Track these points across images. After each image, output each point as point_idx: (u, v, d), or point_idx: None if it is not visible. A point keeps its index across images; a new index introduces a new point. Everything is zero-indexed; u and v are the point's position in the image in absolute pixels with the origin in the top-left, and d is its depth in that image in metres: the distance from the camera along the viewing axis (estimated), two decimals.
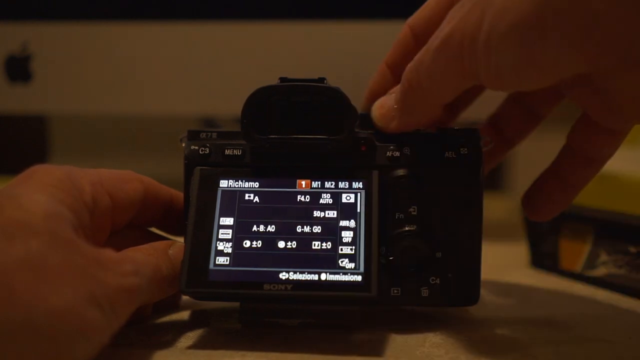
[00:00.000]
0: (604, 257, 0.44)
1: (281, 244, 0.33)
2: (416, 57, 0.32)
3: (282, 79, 0.36)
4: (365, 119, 0.37)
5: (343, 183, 0.35)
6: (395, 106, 0.34)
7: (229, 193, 0.35)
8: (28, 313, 0.25)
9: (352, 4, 0.57)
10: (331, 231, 0.33)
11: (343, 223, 0.34)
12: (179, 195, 0.37)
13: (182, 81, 0.59)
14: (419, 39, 0.37)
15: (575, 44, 0.26)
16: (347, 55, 0.57)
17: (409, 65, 0.33)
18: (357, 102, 0.35)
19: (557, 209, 0.37)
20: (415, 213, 0.35)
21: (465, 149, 0.35)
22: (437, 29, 0.31)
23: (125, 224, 0.35)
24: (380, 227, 0.34)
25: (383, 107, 0.35)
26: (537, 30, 0.26)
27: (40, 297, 0.25)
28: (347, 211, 0.34)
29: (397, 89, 0.34)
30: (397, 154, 0.35)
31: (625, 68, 0.27)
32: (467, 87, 0.31)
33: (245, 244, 0.33)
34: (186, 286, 0.32)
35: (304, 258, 0.33)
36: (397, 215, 0.35)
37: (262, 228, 0.34)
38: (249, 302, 0.34)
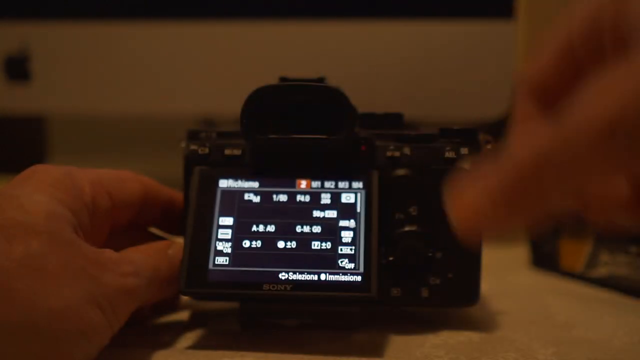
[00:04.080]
0: (604, 257, 0.44)
1: (281, 244, 0.33)
2: (543, 143, 0.21)
3: (282, 79, 0.36)
4: (365, 119, 0.37)
5: (343, 183, 0.35)
6: (496, 206, 0.22)
7: (228, 193, 0.35)
8: (28, 313, 0.25)
9: (353, 4, 0.57)
10: (331, 231, 0.33)
11: (343, 223, 0.34)
12: (179, 195, 0.37)
13: (182, 81, 0.59)
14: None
15: None
16: (347, 55, 0.57)
17: (525, 150, 0.21)
18: (357, 102, 0.35)
19: None
20: (415, 213, 0.35)
21: (465, 149, 0.35)
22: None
23: (124, 224, 0.35)
24: (380, 227, 0.34)
25: (471, 208, 0.23)
26: None
27: (40, 297, 0.25)
28: (347, 211, 0.34)
29: (491, 178, 0.22)
30: (397, 154, 0.35)
31: None
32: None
33: (245, 244, 0.33)
34: (185, 286, 0.32)
35: (303, 258, 0.33)
36: (397, 215, 0.35)
37: (261, 228, 0.34)
38: (249, 303, 0.34)
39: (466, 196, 0.23)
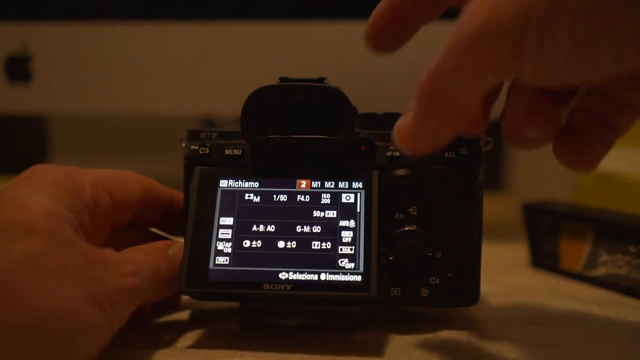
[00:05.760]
0: (604, 257, 0.44)
1: (281, 244, 0.33)
2: (433, 64, 0.27)
3: (282, 79, 0.36)
4: (365, 119, 0.37)
5: (343, 183, 0.35)
6: (417, 126, 0.28)
7: (228, 193, 0.35)
8: (29, 313, 0.25)
9: (353, 4, 0.57)
10: (331, 231, 0.33)
11: (343, 223, 0.34)
12: (179, 195, 0.37)
13: (182, 81, 0.59)
14: None
15: None
16: (347, 55, 0.57)
17: (422, 74, 0.27)
18: (357, 102, 0.35)
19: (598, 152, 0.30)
20: (415, 213, 0.35)
21: (465, 149, 0.35)
22: None
23: (125, 224, 0.35)
24: (380, 227, 0.34)
25: (403, 131, 0.29)
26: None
27: (41, 297, 0.25)
28: (347, 211, 0.34)
29: (412, 106, 0.29)
30: (397, 154, 0.35)
31: None
32: (497, 84, 0.28)
33: (245, 243, 0.33)
34: (186, 286, 0.32)
35: (303, 258, 0.33)
36: (397, 215, 0.35)
37: (262, 228, 0.34)
38: (249, 302, 0.34)
39: (400, 123, 0.29)
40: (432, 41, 0.56)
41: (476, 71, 0.26)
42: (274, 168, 0.35)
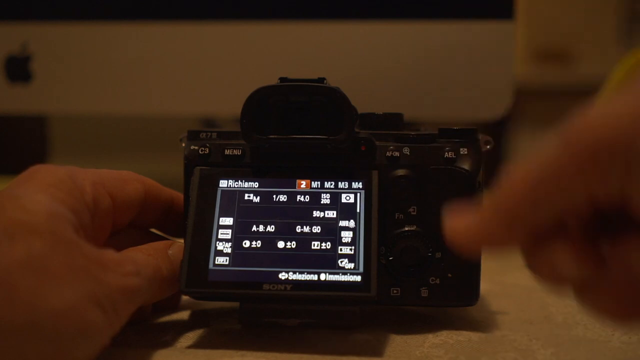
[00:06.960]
0: None
1: (281, 244, 0.33)
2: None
3: (282, 79, 0.36)
4: (365, 119, 0.37)
5: (343, 183, 0.35)
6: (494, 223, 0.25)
7: (228, 193, 0.35)
8: (29, 313, 0.25)
9: (352, 4, 0.57)
10: (331, 231, 0.33)
11: (342, 223, 0.34)
12: (179, 196, 0.37)
13: (182, 81, 0.59)
14: None
15: None
16: (347, 55, 0.57)
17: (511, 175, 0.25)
18: (357, 102, 0.35)
19: None
20: (415, 213, 0.35)
21: (465, 149, 0.35)
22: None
23: (125, 225, 0.35)
24: (379, 227, 0.34)
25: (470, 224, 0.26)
26: None
27: (41, 297, 0.25)
28: (347, 211, 0.34)
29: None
30: (397, 154, 0.35)
31: None
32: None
33: (245, 244, 0.33)
34: (186, 286, 0.33)
35: (303, 258, 0.33)
36: (396, 215, 0.35)
37: (261, 228, 0.34)
38: (249, 302, 0.34)
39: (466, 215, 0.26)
40: (432, 41, 0.56)
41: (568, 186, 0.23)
42: (274, 168, 0.35)
